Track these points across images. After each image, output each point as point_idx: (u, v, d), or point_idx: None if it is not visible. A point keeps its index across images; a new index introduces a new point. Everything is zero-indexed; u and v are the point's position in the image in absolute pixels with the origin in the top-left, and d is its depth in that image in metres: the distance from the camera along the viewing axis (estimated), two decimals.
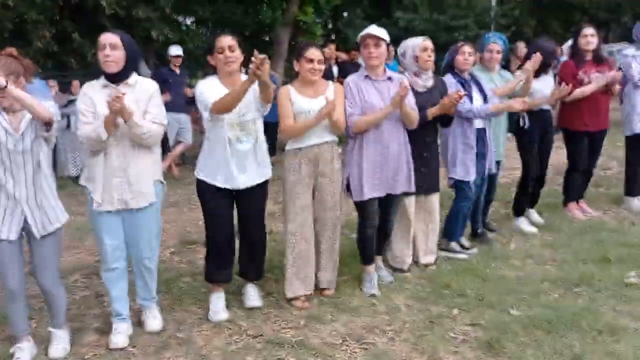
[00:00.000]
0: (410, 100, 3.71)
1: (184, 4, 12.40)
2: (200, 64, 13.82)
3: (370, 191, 3.71)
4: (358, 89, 3.66)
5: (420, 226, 4.24)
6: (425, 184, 4.05)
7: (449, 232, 4.50)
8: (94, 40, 3.25)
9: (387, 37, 3.62)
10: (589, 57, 5.05)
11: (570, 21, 21.31)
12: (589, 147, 5.19)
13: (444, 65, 4.35)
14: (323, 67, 3.53)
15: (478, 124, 4.31)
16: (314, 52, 3.48)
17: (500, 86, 4.56)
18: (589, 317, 3.30)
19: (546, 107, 4.89)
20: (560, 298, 3.65)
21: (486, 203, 4.88)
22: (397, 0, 17.18)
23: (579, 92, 4.94)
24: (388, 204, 3.85)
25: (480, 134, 4.34)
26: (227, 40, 3.31)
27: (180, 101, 7.93)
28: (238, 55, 3.35)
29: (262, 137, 3.48)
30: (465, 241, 4.63)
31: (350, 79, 3.72)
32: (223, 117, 3.31)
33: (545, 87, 4.78)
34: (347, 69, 8.62)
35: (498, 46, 4.55)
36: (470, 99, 4.19)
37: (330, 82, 3.67)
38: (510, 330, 3.20)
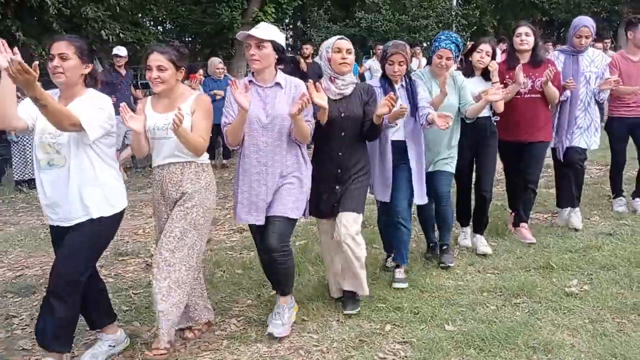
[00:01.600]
0: (309, 111, 3.21)
1: (137, 3, 12.01)
2: None
3: (247, 215, 3.26)
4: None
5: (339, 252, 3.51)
6: (341, 204, 3.44)
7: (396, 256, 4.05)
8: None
9: (274, 37, 3.12)
10: (524, 58, 4.54)
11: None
12: (524, 159, 4.62)
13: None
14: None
15: (396, 135, 3.80)
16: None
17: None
18: (525, 333, 3.15)
19: (484, 114, 4.24)
20: (498, 310, 3.49)
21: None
22: (360, 0, 17.05)
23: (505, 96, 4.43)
24: (267, 229, 3.22)
25: (399, 147, 3.79)
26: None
27: (126, 103, 7.60)
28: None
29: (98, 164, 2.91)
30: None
31: None
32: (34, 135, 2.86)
33: (480, 90, 4.19)
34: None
35: (449, 53, 3.95)
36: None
37: (194, 93, 3.15)
38: (441, 350, 3.02)
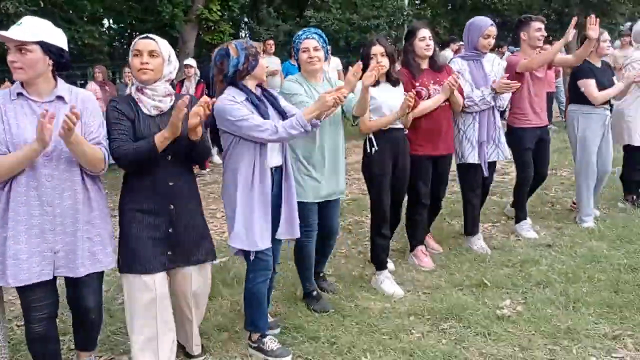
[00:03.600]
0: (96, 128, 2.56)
1: None
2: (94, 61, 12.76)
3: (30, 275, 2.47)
4: (3, 112, 2.42)
5: (178, 311, 2.92)
6: (179, 254, 2.76)
7: (249, 321, 3.09)
8: None
9: (43, 36, 2.41)
10: (424, 64, 4.07)
11: None
12: (436, 173, 4.18)
13: None
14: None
15: (274, 160, 2.98)
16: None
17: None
18: None
19: (398, 125, 3.80)
20: (422, 338, 3.16)
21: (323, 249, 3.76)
22: None
23: (419, 108, 3.93)
24: (78, 283, 2.60)
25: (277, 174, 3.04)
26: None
27: None
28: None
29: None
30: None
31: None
32: None
33: (391, 97, 3.73)
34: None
35: (314, 42, 3.34)
36: (264, 117, 2.85)
37: None
38: None
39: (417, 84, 3.99)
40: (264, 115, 2.82)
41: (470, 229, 4.53)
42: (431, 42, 3.96)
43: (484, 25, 4.28)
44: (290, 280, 3.94)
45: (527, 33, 4.54)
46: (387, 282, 3.83)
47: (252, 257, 2.91)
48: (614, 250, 4.31)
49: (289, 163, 3.06)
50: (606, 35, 4.84)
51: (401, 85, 3.81)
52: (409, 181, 3.95)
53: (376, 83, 3.58)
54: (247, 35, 18.83)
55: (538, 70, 4.61)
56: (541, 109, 4.72)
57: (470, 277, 3.92)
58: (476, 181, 4.43)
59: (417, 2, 18.90)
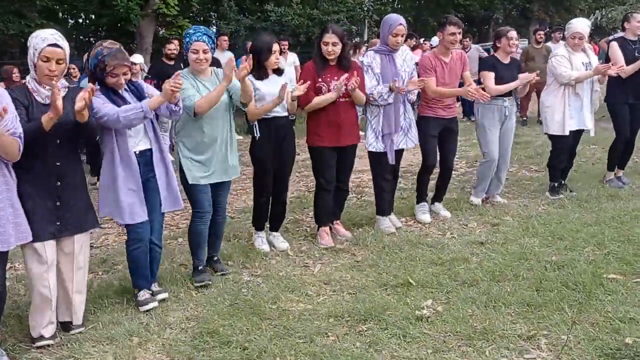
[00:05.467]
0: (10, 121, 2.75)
1: None
2: None
3: None
4: None
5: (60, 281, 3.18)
6: (67, 224, 3.11)
7: (133, 283, 3.59)
8: None
9: None
10: (333, 61, 4.33)
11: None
12: (342, 163, 4.53)
13: None
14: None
15: (141, 145, 3.42)
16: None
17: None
18: None
19: (283, 113, 4.19)
20: (337, 341, 3.08)
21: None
22: None
23: (312, 102, 4.28)
24: None
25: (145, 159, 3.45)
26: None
27: None
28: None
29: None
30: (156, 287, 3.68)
31: None
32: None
33: (276, 88, 4.00)
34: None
35: (205, 45, 3.61)
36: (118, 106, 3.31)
37: None
38: None
39: (320, 80, 4.30)
40: (118, 105, 3.21)
41: (380, 210, 4.85)
42: (334, 48, 4.23)
43: (394, 23, 4.50)
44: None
45: (442, 34, 4.82)
46: (258, 240, 4.49)
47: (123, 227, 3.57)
48: (545, 247, 4.29)
49: (162, 146, 3.49)
50: (513, 34, 5.17)
51: (286, 75, 4.24)
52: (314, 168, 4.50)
53: (264, 76, 4.10)
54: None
55: (450, 65, 4.89)
56: (452, 101, 5.06)
57: (398, 277, 3.86)
58: (384, 168, 4.71)
59: None
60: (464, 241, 4.54)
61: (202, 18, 17.38)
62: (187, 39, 3.65)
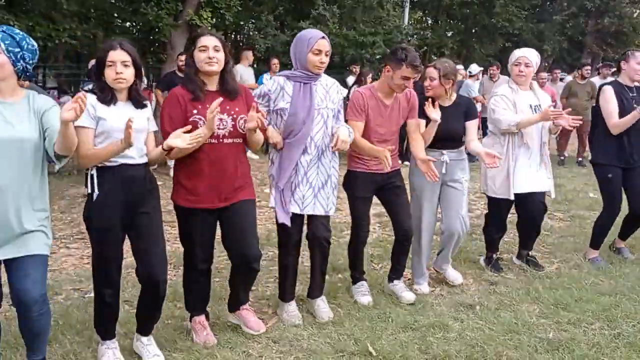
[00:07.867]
0: None
1: None
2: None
3: None
4: None
5: None
6: None
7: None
8: None
9: None
10: (213, 85, 3.09)
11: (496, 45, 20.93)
12: (228, 228, 3.20)
13: None
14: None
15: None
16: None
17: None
18: None
19: (136, 160, 2.81)
20: None
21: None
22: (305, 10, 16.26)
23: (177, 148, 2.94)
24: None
25: None
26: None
27: None
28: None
29: None
30: None
31: None
32: None
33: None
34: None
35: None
36: None
37: None
38: None
39: (195, 112, 3.00)
40: None
41: (281, 293, 3.67)
42: (216, 54, 3.00)
43: (314, 37, 3.31)
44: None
45: (392, 72, 3.60)
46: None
47: None
48: (543, 319, 3.65)
49: None
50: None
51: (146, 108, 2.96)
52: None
53: (111, 101, 2.78)
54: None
55: (391, 107, 3.74)
56: (394, 146, 3.77)
57: (359, 342, 3.29)
58: (289, 236, 3.47)
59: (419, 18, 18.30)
60: (452, 301, 3.93)
61: (235, 31, 17.24)
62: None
